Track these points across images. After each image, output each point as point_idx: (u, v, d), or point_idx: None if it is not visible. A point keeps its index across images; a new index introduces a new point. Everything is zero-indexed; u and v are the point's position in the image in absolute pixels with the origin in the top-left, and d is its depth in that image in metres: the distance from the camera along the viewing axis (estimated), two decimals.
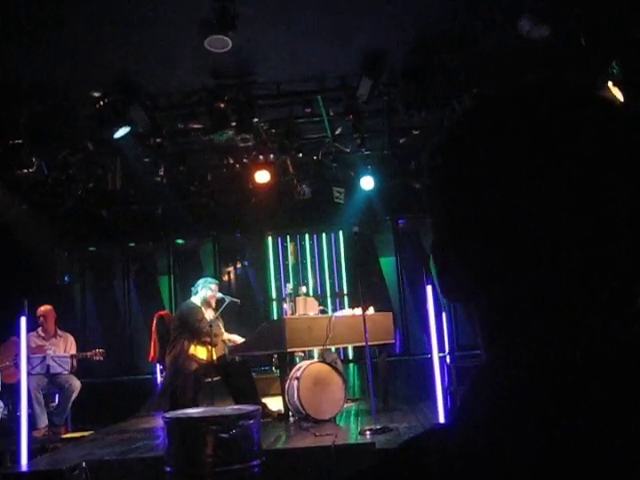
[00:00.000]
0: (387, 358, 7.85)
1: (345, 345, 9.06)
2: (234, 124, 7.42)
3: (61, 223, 10.31)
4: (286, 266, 11.52)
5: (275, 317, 10.87)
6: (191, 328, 7.11)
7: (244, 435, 4.25)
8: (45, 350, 7.60)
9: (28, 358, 6.26)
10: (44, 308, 7.86)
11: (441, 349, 7.13)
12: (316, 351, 8.27)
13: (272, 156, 9.00)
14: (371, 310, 7.34)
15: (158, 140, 8.11)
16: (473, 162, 0.59)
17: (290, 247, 11.60)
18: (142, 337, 9.75)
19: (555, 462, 0.50)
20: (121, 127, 7.17)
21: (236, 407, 5.18)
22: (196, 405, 6.44)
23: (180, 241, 11.83)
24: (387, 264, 11.43)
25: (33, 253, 9.48)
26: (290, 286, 8.52)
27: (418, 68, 6.71)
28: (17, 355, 6.39)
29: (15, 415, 6.14)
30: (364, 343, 6.12)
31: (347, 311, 8.12)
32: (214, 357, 7.06)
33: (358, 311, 7.04)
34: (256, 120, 7.67)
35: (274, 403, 7.21)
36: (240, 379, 7.00)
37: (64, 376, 7.50)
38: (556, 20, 5.51)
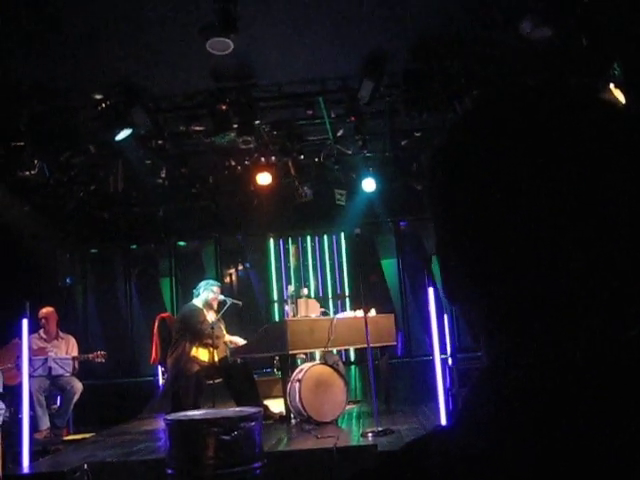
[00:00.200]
0: (389, 360, 7.85)
1: (347, 347, 9.06)
2: (236, 126, 7.43)
3: (63, 225, 10.32)
4: (288, 268, 11.52)
5: (277, 319, 10.86)
6: (193, 330, 7.11)
7: (246, 437, 4.24)
8: (47, 352, 7.61)
9: (30, 360, 6.26)
10: (46, 310, 7.87)
11: (443, 351, 7.12)
12: (318, 353, 8.26)
13: (274, 158, 9.00)
14: (373, 312, 7.34)
15: (160, 142, 8.13)
16: (474, 163, 0.59)
17: (292, 249, 11.60)
18: (144, 339, 9.76)
19: (556, 464, 0.50)
20: (123, 129, 7.18)
21: (238, 409, 5.18)
22: (197, 407, 6.44)
23: (182, 243, 11.83)
24: (389, 266, 11.42)
25: (35, 255, 9.48)
26: (292, 288, 8.51)
27: (419, 70, 6.71)
28: (19, 357, 6.39)
29: (17, 417, 6.14)
30: (366, 345, 6.11)
31: (349, 313, 8.12)
32: (216, 359, 7.06)
33: (360, 313, 7.03)
34: (258, 122, 7.68)
35: (276, 405, 7.20)
36: (242, 381, 7.00)
37: (66, 378, 7.50)
38: (557, 21, 5.51)
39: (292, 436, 6.05)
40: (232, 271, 11.91)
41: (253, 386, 7.08)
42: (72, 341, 8.01)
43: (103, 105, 7.00)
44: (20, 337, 5.86)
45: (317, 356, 8.45)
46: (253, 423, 4.32)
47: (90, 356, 7.83)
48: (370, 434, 5.58)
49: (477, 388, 0.59)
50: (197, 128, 7.88)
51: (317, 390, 6.44)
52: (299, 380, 6.42)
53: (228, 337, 7.46)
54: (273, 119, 8.06)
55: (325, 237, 11.55)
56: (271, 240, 11.55)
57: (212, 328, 6.96)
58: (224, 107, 7.23)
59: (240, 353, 7.21)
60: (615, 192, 0.54)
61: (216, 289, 7.50)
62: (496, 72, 6.52)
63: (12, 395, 6.56)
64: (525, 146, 0.57)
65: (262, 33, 6.01)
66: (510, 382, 0.55)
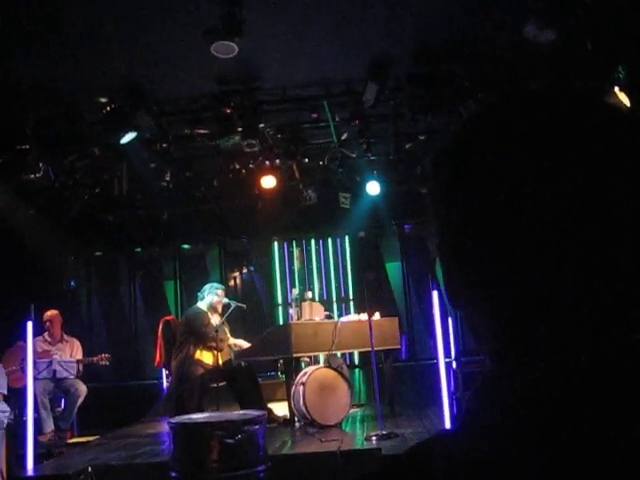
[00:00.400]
0: (393, 363, 7.83)
1: (351, 350, 9.06)
2: (240, 129, 7.44)
3: (68, 228, 10.34)
4: (292, 271, 11.52)
5: (281, 322, 10.86)
6: (197, 333, 7.11)
7: (250, 440, 4.24)
8: (51, 355, 7.62)
9: (34, 363, 6.27)
10: (50, 313, 7.88)
11: (447, 354, 7.12)
12: (322, 356, 8.25)
13: (278, 161, 9.01)
14: (377, 315, 7.33)
15: (164, 145, 8.14)
16: (478, 165, 0.59)
17: (296, 252, 11.60)
18: (148, 342, 9.76)
19: (561, 468, 0.49)
20: (127, 132, 7.19)
21: (242, 412, 5.18)
22: (202, 410, 6.44)
23: (186, 246, 11.84)
24: (393, 269, 11.41)
25: (39, 258, 9.50)
26: (296, 291, 8.50)
27: (424, 73, 6.71)
28: (23, 360, 6.40)
29: (21, 420, 6.14)
30: (370, 348, 6.11)
31: (353, 316, 8.11)
32: (220, 362, 7.05)
33: (364, 316, 7.03)
34: (262, 125, 7.70)
35: (280, 408, 7.20)
36: (246, 384, 7.00)
37: (70, 381, 7.51)
38: (562, 25, 5.50)
39: (296, 439, 6.04)
40: (236, 274, 11.92)
41: (257, 389, 7.07)
42: (76, 344, 8.02)
43: (108, 108, 7.02)
44: (25, 340, 5.87)
45: (321, 359, 8.44)
46: (257, 426, 4.32)
47: (94, 359, 7.83)
48: (374, 437, 5.58)
49: (481, 392, 0.59)
50: (202, 131, 7.89)
51: (321, 393, 6.43)
52: (303, 383, 6.42)
53: (232, 340, 7.46)
54: (277, 122, 8.07)
55: (329, 240, 11.55)
56: (275, 243, 11.56)
57: (216, 331, 6.96)
58: (229, 110, 7.24)
59: (244, 356, 7.20)
60: (620, 195, 0.54)
61: (220, 292, 7.50)
62: (500, 75, 6.52)
63: (16, 397, 6.56)
64: (530, 149, 0.56)
65: (266, 36, 6.02)
66: (514, 386, 0.55)
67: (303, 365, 7.50)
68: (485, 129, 0.62)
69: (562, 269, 0.54)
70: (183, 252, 11.80)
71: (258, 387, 7.12)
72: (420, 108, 7.05)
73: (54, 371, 7.43)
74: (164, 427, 6.86)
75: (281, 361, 7.35)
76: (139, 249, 11.81)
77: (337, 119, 7.91)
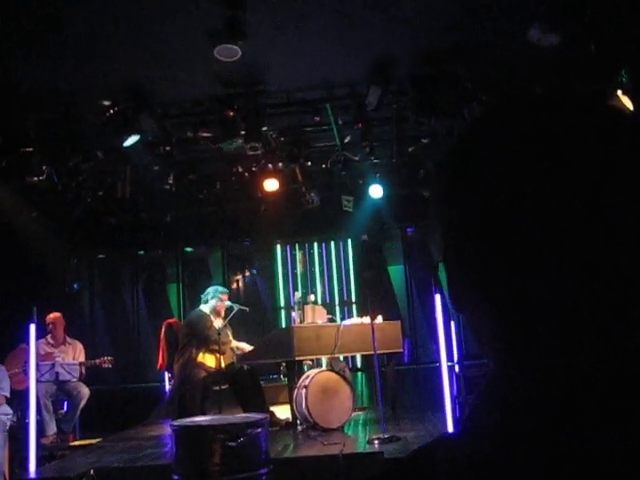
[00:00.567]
0: (395, 367, 7.83)
1: (353, 354, 9.04)
2: (243, 132, 7.45)
3: (71, 231, 10.36)
4: (295, 274, 11.52)
5: (283, 325, 10.86)
6: (199, 336, 7.12)
7: (252, 443, 4.24)
8: (54, 357, 7.63)
9: (37, 365, 6.28)
10: (53, 315, 7.89)
11: (450, 358, 7.11)
12: (324, 359, 8.25)
13: (281, 164, 9.01)
14: (379, 319, 7.33)
15: (167, 148, 8.15)
16: (481, 168, 0.59)
17: (299, 255, 11.60)
18: (150, 345, 9.76)
19: (564, 471, 0.49)
20: (131, 135, 7.21)
21: (244, 415, 5.19)
22: (204, 413, 6.44)
23: (189, 249, 11.85)
24: (396, 272, 11.40)
25: (42, 260, 9.52)
26: (298, 294, 8.51)
27: (427, 76, 6.71)
28: (26, 362, 6.41)
29: (24, 422, 6.15)
30: (372, 352, 6.11)
31: (355, 319, 8.11)
32: (222, 365, 7.06)
33: (366, 319, 7.03)
34: (265, 128, 7.70)
35: (282, 411, 7.20)
36: (248, 387, 7.00)
37: (73, 383, 7.51)
38: (566, 28, 5.50)
39: (298, 442, 6.04)
40: (239, 277, 11.92)
41: (259, 392, 7.07)
42: (79, 346, 8.03)
43: (111, 111, 7.03)
44: (27, 342, 5.88)
45: (324, 362, 8.44)
46: (259, 429, 4.32)
47: (97, 361, 7.84)
48: (376, 441, 5.57)
49: (484, 395, 0.59)
50: (205, 134, 7.90)
51: (323, 397, 6.43)
52: (305, 386, 6.42)
53: (235, 343, 7.46)
54: (280, 125, 8.07)
55: (332, 243, 11.54)
56: (278, 246, 11.56)
57: (219, 334, 6.96)
58: (232, 113, 7.24)
59: (247, 359, 7.21)
60: (621, 197, 0.54)
61: (224, 297, 7.49)
62: (504, 79, 6.52)
63: (19, 400, 6.58)
64: (532, 152, 0.57)
65: (269, 39, 6.03)
66: (516, 389, 0.55)
67: (305, 368, 7.50)
68: (488, 132, 0.62)
69: (564, 271, 0.54)
70: (186, 255, 11.80)
71: (260, 390, 7.11)
72: (423, 111, 7.04)
73: (57, 373, 7.43)
74: (166, 430, 6.87)
75: (283, 364, 7.35)
76: (142, 252, 11.82)
77: (340, 122, 7.91)
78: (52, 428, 7.18)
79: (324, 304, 9.37)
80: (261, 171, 9.18)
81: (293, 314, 8.24)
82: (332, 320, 8.01)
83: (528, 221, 0.55)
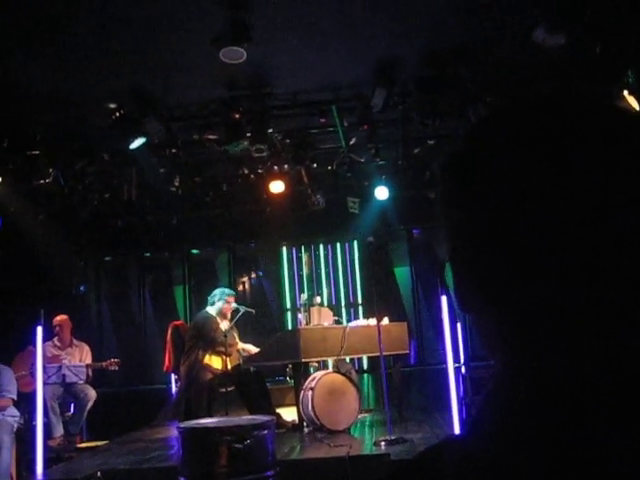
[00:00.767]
0: (402, 368, 7.82)
1: (359, 355, 9.04)
2: (249, 135, 7.45)
3: (77, 233, 10.39)
4: (300, 276, 11.52)
5: (289, 327, 10.86)
6: (206, 338, 7.12)
7: (258, 445, 4.24)
8: (61, 360, 7.64)
9: (44, 367, 6.29)
10: (60, 318, 7.90)
11: (456, 359, 7.10)
12: (330, 361, 8.25)
13: (287, 166, 9.02)
14: (386, 320, 7.32)
15: (173, 151, 8.17)
16: (487, 170, 0.59)
17: (304, 257, 11.60)
18: (157, 347, 9.77)
19: (569, 473, 0.49)
20: (137, 138, 7.23)
21: (250, 417, 5.18)
22: (210, 415, 6.44)
23: (195, 251, 11.86)
24: (402, 274, 11.40)
25: (49, 263, 9.54)
26: (304, 296, 8.50)
27: (432, 78, 6.71)
28: (33, 364, 6.42)
29: (31, 424, 6.16)
30: (379, 353, 6.10)
31: (361, 321, 8.10)
32: (229, 367, 7.06)
33: (372, 321, 7.02)
34: (271, 130, 7.71)
35: (288, 413, 7.19)
36: (254, 389, 6.99)
37: (79, 386, 7.53)
38: (571, 29, 5.49)
39: (305, 444, 6.03)
40: (245, 279, 11.93)
41: (266, 394, 7.07)
42: (86, 349, 8.04)
43: (117, 114, 7.05)
44: (34, 345, 5.89)
45: (330, 364, 8.43)
46: (266, 431, 4.32)
47: (104, 364, 7.85)
48: (383, 443, 5.56)
49: (490, 397, 0.59)
50: (210, 137, 7.91)
51: (330, 398, 6.42)
52: (312, 388, 6.41)
53: (241, 345, 7.46)
54: (286, 127, 8.08)
55: (338, 245, 11.54)
56: (284, 248, 11.56)
57: (225, 336, 6.96)
58: (237, 116, 7.26)
59: (253, 361, 7.20)
60: (627, 200, 0.54)
61: (230, 299, 7.49)
62: (509, 80, 6.51)
63: (26, 402, 6.59)
64: (538, 154, 0.56)
65: (275, 41, 6.03)
66: (522, 391, 0.55)
67: (312, 370, 7.49)
68: (494, 133, 0.62)
69: (569, 273, 0.54)
70: (192, 257, 11.82)
71: (267, 392, 7.11)
72: (429, 113, 7.05)
73: (63, 376, 7.45)
74: (173, 432, 6.87)
75: (290, 366, 7.35)
76: (148, 254, 11.84)
77: (345, 124, 7.92)
78: (59, 430, 7.19)
79: (330, 306, 9.35)
80: (267, 173, 9.19)
81: (299, 316, 8.24)
82: (338, 322, 8.00)
83: (534, 223, 0.55)
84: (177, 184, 9.25)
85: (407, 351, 7.78)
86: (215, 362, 7.10)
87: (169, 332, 7.74)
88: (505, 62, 6.35)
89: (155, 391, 9.81)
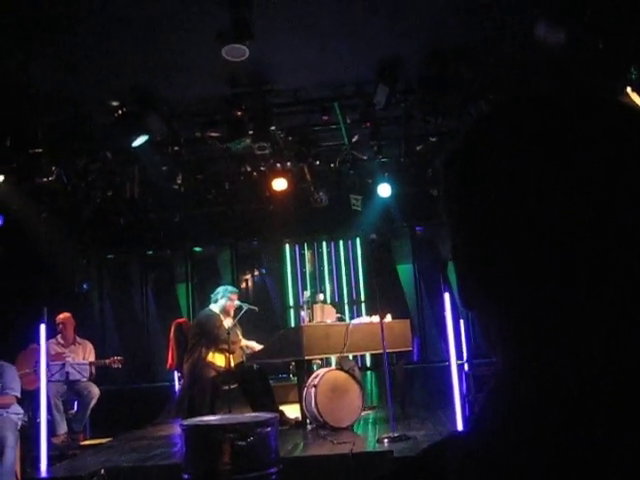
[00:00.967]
0: (405, 365, 7.82)
1: (363, 352, 9.04)
2: (251, 132, 7.45)
3: (80, 231, 10.40)
4: (303, 273, 11.52)
5: (292, 324, 10.86)
6: (209, 335, 7.13)
7: (262, 443, 4.24)
8: (64, 357, 7.65)
9: (47, 365, 6.30)
10: (63, 315, 7.91)
11: (459, 356, 7.10)
12: (334, 358, 8.25)
13: (289, 164, 9.02)
14: (389, 317, 7.32)
15: (176, 148, 8.17)
16: (490, 167, 0.59)
17: (307, 254, 11.60)
18: (160, 344, 9.79)
19: (571, 472, 0.49)
20: (139, 135, 7.22)
21: (254, 415, 5.19)
22: (213, 412, 6.45)
23: (198, 249, 11.87)
24: (404, 271, 11.40)
25: (52, 261, 9.55)
26: (307, 293, 8.51)
27: (435, 75, 6.70)
28: (37, 362, 6.44)
29: (35, 422, 6.17)
30: (382, 350, 6.10)
31: (365, 318, 8.10)
32: (232, 364, 7.06)
33: (376, 318, 7.02)
34: (273, 128, 7.70)
35: (292, 411, 7.20)
36: (258, 387, 7.01)
37: (83, 383, 7.54)
38: (573, 25, 5.48)
39: (308, 442, 6.04)
40: (248, 277, 11.94)
41: (269, 392, 7.08)
42: (89, 346, 8.05)
43: (119, 112, 7.05)
44: (38, 342, 5.91)
45: (333, 362, 8.44)
46: (269, 429, 4.32)
47: (107, 361, 7.86)
48: (386, 440, 5.57)
49: (493, 394, 0.59)
50: (213, 134, 7.91)
51: (333, 396, 6.43)
52: (315, 386, 6.42)
53: (245, 342, 7.47)
54: (288, 125, 8.08)
55: (341, 242, 11.54)
56: (287, 245, 11.57)
57: (228, 333, 6.96)
58: (239, 113, 7.25)
59: (256, 358, 7.21)
60: (632, 197, 0.53)
61: (233, 296, 7.50)
62: (511, 77, 6.49)
63: (30, 400, 6.60)
64: (541, 150, 0.56)
65: (278, 39, 6.03)
66: (525, 389, 0.55)
67: (315, 367, 7.51)
68: (496, 130, 0.61)
69: (573, 272, 0.53)
70: (195, 255, 11.83)
71: (270, 389, 7.12)
72: (431, 110, 7.04)
73: (67, 373, 7.46)
74: (176, 429, 6.88)
75: (293, 363, 7.36)
76: (151, 252, 11.86)
77: (348, 121, 7.91)
78: (63, 428, 7.21)
79: (333, 303, 9.36)
80: (269, 170, 9.19)
81: (302, 313, 8.25)
82: (341, 319, 8.01)
83: (535, 220, 0.55)
84: (179, 182, 9.25)
85: (410, 348, 7.78)
86: (218, 360, 7.11)
87: (172, 330, 7.75)
88: (507, 60, 6.34)
89: (158, 389, 9.82)
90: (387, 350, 6.14)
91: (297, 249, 11.58)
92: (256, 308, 7.61)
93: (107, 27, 5.65)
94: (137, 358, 10.46)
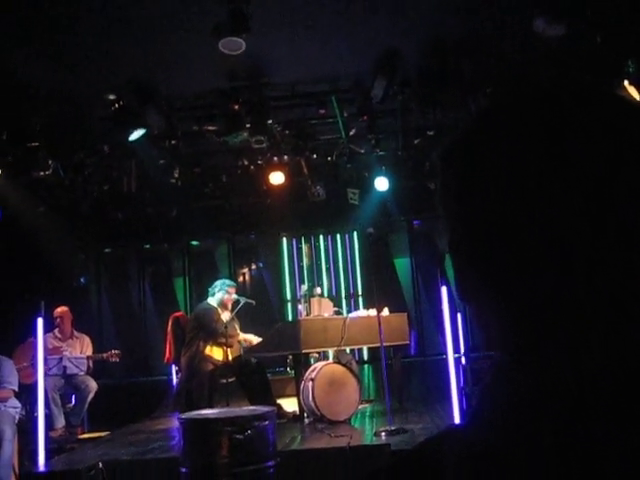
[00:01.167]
0: (402, 359, 7.83)
1: (360, 346, 9.06)
2: (248, 126, 7.44)
3: (77, 225, 10.38)
4: (301, 267, 11.53)
5: (290, 318, 10.88)
6: (207, 329, 7.13)
7: (259, 436, 4.25)
8: (62, 351, 7.65)
9: (45, 359, 6.30)
10: (61, 309, 7.91)
11: (456, 350, 7.10)
12: (331, 352, 8.26)
13: (286, 157, 9.01)
14: (386, 311, 7.32)
15: (173, 142, 8.16)
16: (488, 161, 0.59)
17: (305, 248, 11.60)
18: (157, 338, 9.79)
19: (569, 465, 0.49)
20: (136, 129, 7.21)
21: (251, 408, 5.19)
22: (211, 406, 6.45)
23: (195, 242, 11.86)
24: (402, 265, 11.40)
25: (49, 255, 9.54)
26: (305, 287, 8.51)
27: (432, 68, 6.69)
28: (34, 356, 6.44)
29: (32, 416, 6.18)
30: (379, 344, 6.11)
31: (362, 312, 8.10)
32: (229, 358, 7.07)
33: (373, 312, 7.02)
34: (270, 121, 7.69)
35: (289, 404, 7.21)
36: (255, 380, 7.01)
37: (80, 377, 7.54)
38: (571, 19, 5.47)
39: (305, 435, 6.05)
40: (245, 270, 11.94)
41: (266, 385, 7.08)
42: (87, 340, 8.05)
43: (116, 105, 7.04)
44: (35, 336, 5.90)
45: (330, 355, 8.45)
46: (266, 422, 4.32)
47: (104, 355, 7.86)
48: (383, 433, 5.58)
49: (490, 388, 0.59)
50: (210, 128, 7.90)
51: (330, 389, 6.43)
52: (312, 379, 6.42)
53: (242, 335, 7.46)
54: (285, 118, 8.07)
55: (338, 236, 11.55)
56: (284, 239, 11.57)
57: (226, 327, 6.96)
58: (236, 107, 7.24)
59: (254, 352, 7.22)
60: (630, 191, 0.53)
61: (231, 290, 7.49)
62: (510, 70, 6.49)
63: (27, 394, 6.60)
64: (539, 145, 0.56)
65: (274, 32, 6.01)
66: (523, 383, 0.55)
67: (312, 361, 7.50)
68: (494, 124, 0.61)
69: (572, 266, 0.53)
70: (192, 248, 11.82)
71: (267, 383, 7.12)
72: (429, 103, 7.03)
73: (64, 367, 7.46)
74: (174, 423, 6.89)
75: (290, 357, 7.36)
76: (148, 245, 11.84)
77: (345, 115, 7.90)
78: (60, 421, 7.21)
79: (330, 297, 9.37)
80: (266, 164, 9.18)
81: (299, 307, 8.25)
82: (338, 313, 8.01)
83: (534, 215, 0.55)
84: (177, 175, 9.23)
85: (407, 342, 7.79)
86: (216, 353, 7.11)
87: (170, 323, 7.75)
88: (505, 53, 6.34)
89: (156, 382, 9.83)
90: (384, 344, 6.15)
91: (294, 243, 11.58)
92: (253, 302, 7.61)
93: (104, 20, 5.63)
94: (135, 352, 10.46)
